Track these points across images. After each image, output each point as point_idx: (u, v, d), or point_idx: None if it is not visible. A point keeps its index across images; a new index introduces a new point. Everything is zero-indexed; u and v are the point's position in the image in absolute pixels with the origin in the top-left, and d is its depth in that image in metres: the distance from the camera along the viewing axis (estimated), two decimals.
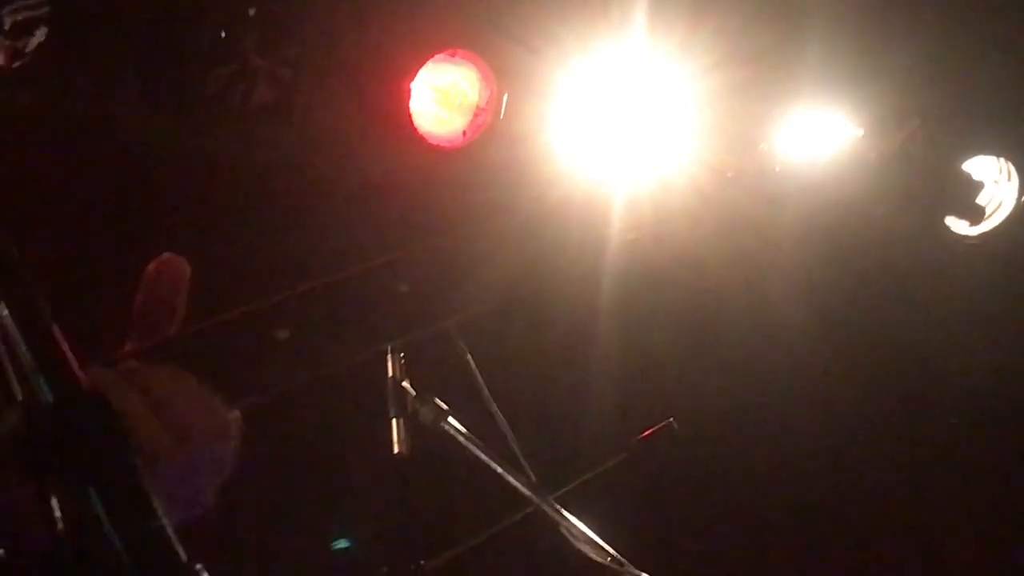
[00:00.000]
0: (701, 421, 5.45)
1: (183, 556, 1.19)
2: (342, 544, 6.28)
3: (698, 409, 5.54)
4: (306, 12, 5.79)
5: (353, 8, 5.85)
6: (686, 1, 5.79)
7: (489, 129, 6.03)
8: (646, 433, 4.74)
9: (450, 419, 4.46)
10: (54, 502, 1.24)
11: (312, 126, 5.88)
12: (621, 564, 4.14)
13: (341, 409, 5.35)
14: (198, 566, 1.20)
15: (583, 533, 4.22)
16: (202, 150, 5.82)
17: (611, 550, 4.18)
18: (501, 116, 6.02)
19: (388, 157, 5.94)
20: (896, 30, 5.79)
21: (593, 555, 4.17)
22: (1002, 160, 6.28)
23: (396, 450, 4.51)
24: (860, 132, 5.90)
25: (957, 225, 6.20)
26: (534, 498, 4.33)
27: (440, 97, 5.98)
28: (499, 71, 6.00)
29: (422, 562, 4.69)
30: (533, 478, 4.38)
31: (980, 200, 6.20)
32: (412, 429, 4.49)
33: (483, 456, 4.40)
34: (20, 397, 1.23)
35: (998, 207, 6.27)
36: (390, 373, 4.44)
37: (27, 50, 5.06)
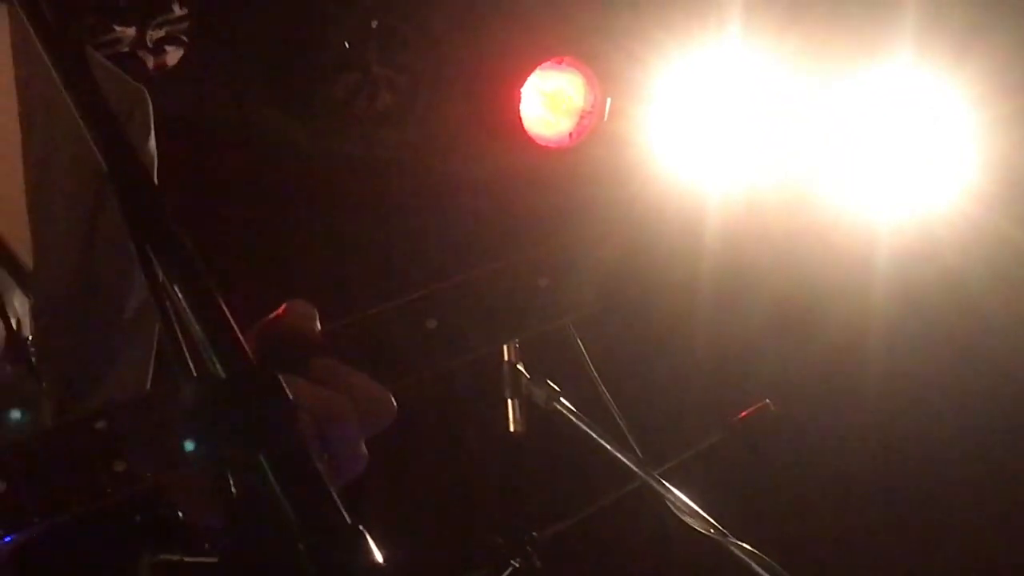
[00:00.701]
0: (794, 403, 5.40)
1: (347, 519, 1.20)
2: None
3: (791, 392, 5.48)
4: (424, 24, 5.81)
5: (466, 20, 5.86)
6: (779, 8, 5.74)
7: (593, 131, 6.02)
8: (744, 413, 4.71)
9: (561, 399, 4.45)
10: (229, 469, 1.25)
11: (429, 128, 5.90)
12: (724, 535, 4.11)
13: (461, 389, 5.36)
14: (360, 527, 1.21)
15: (687, 505, 4.19)
16: (329, 150, 5.85)
17: (713, 522, 4.15)
18: (605, 119, 6.01)
19: (500, 157, 5.95)
20: None
21: (696, 526, 4.15)
22: None
23: (512, 428, 4.52)
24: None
25: None
26: (640, 473, 4.31)
27: (548, 101, 5.98)
28: (603, 76, 5.99)
29: (535, 533, 4.69)
30: (640, 454, 4.36)
31: None
32: (526, 409, 4.49)
33: (592, 434, 4.39)
34: (195, 373, 1.24)
35: None
36: (506, 357, 4.45)
37: (170, 61, 5.11)
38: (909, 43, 5.75)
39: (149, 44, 5.01)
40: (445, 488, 6.33)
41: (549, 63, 5.92)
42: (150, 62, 5.03)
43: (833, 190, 5.72)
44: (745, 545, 4.07)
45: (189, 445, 1.23)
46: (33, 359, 1.76)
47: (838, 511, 6.72)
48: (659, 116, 6.05)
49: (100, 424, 1.65)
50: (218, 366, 1.22)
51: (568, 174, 5.96)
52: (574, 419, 4.43)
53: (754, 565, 4.00)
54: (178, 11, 5.19)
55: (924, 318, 6.12)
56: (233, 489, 1.26)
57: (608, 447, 4.37)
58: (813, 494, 6.64)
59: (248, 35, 5.56)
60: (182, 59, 5.17)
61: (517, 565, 4.64)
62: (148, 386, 1.98)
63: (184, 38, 5.13)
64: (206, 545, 1.67)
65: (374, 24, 5.70)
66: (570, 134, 6.01)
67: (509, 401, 4.49)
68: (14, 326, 1.73)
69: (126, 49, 4.95)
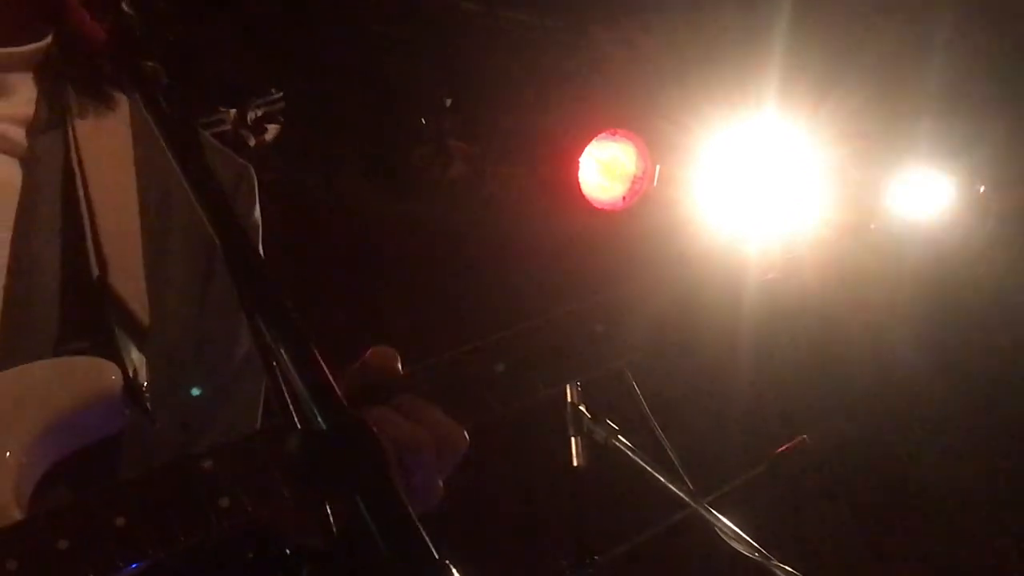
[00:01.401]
0: (828, 438, 5.35)
1: (435, 554, 1.19)
2: None
3: (825, 428, 5.44)
4: (492, 100, 5.83)
5: (530, 96, 5.88)
6: (812, 81, 5.72)
7: (644, 194, 6.01)
8: (783, 448, 4.66)
9: (619, 436, 4.43)
10: (328, 510, 1.24)
11: (498, 194, 5.91)
12: (767, 558, 4.07)
13: (530, 428, 5.35)
14: (447, 562, 1.20)
15: (733, 531, 4.16)
16: (409, 214, 5.88)
17: (757, 546, 4.12)
18: (655, 183, 6.00)
19: (561, 219, 5.94)
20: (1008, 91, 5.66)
21: (742, 550, 4.12)
22: None
23: (575, 463, 4.50)
24: (981, 189, 5.75)
25: None
26: (691, 502, 4.28)
27: (603, 168, 5.97)
28: (653, 145, 5.98)
29: (597, 556, 4.66)
30: (690, 485, 4.33)
31: None
32: (588, 445, 4.48)
33: (647, 467, 4.37)
34: (299, 423, 1.24)
35: None
36: (569, 399, 4.43)
37: (268, 138, 5.14)
38: (931, 104, 5.72)
39: (249, 123, 5.04)
40: (516, 517, 6.31)
41: (604, 134, 5.91)
42: (251, 140, 5.07)
43: (864, 244, 5.68)
44: (787, 567, 4.03)
45: (294, 486, 1.23)
46: (149, 404, 1.76)
47: (866, 534, 6.66)
48: (704, 180, 6.03)
49: (207, 463, 1.66)
50: (319, 418, 1.22)
51: (622, 233, 5.94)
52: (631, 454, 4.41)
53: None
54: (274, 93, 5.22)
55: (947, 363, 6.06)
56: (333, 523, 1.26)
57: (662, 479, 4.34)
58: (846, 520, 6.59)
59: (336, 113, 5.59)
60: (278, 135, 5.20)
61: None
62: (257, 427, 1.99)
63: (280, 117, 5.16)
64: None
65: (448, 102, 5.73)
66: (623, 197, 6.00)
67: (572, 439, 4.48)
68: (131, 375, 1.74)
69: (229, 128, 4.99)
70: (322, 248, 5.77)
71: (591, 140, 5.88)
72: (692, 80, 5.85)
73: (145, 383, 1.76)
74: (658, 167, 6.00)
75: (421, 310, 5.98)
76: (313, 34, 5.44)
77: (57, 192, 1.84)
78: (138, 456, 1.78)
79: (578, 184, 5.86)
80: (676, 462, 4.41)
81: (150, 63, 1.31)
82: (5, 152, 1.82)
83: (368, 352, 1.82)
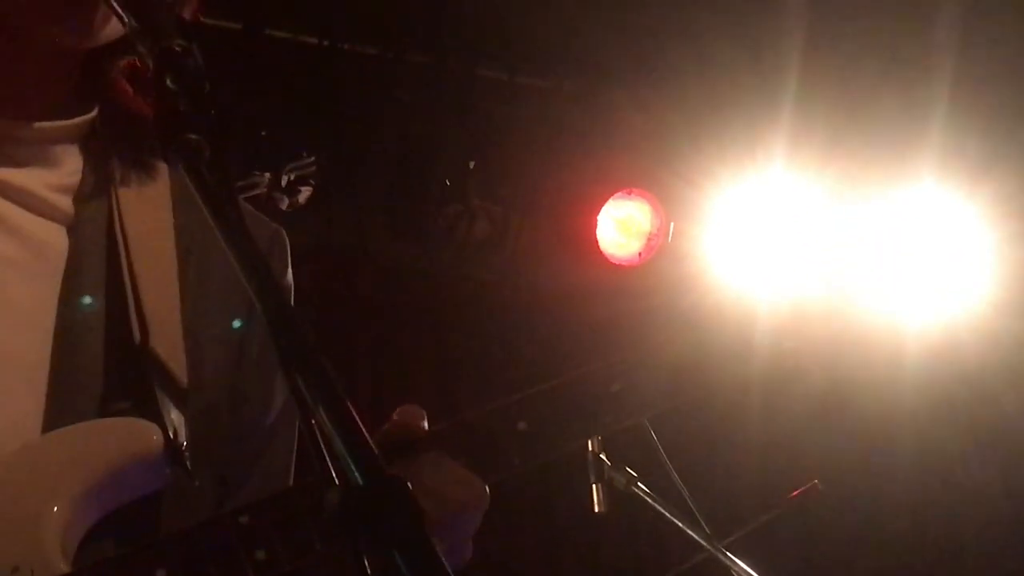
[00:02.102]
0: (838, 483, 5.32)
1: None
2: None
3: (835, 473, 5.41)
4: (514, 162, 5.84)
5: (549, 159, 5.90)
6: (817, 141, 5.73)
7: (659, 250, 6.01)
8: (796, 492, 4.63)
9: (639, 483, 4.41)
10: (367, 563, 1.23)
11: (520, 251, 5.92)
12: None
13: (553, 476, 5.33)
14: None
15: (749, 574, 4.13)
16: (435, 271, 5.89)
17: None
18: (669, 239, 6.00)
19: (580, 274, 5.95)
20: None
21: None
22: None
23: (596, 509, 4.47)
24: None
25: None
26: (708, 546, 4.25)
27: (620, 226, 5.98)
28: (667, 203, 5.99)
29: None
30: (707, 530, 4.29)
31: None
32: (608, 492, 4.45)
33: (666, 512, 4.34)
34: (336, 480, 1.23)
35: None
36: (590, 448, 4.41)
37: (301, 200, 5.16)
38: (933, 169, 5.72)
39: (283, 186, 5.06)
40: (542, 561, 6.28)
41: (621, 193, 5.93)
42: (284, 203, 5.08)
43: (867, 298, 5.66)
44: None
45: (331, 540, 1.22)
46: (188, 463, 1.76)
47: (878, 573, 6.62)
48: (716, 236, 6.03)
49: (244, 519, 1.67)
50: (356, 473, 1.20)
51: (638, 287, 5.94)
52: (650, 500, 4.38)
53: None
54: (306, 157, 5.24)
55: (947, 409, 6.03)
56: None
57: (680, 524, 4.31)
58: (855, 560, 6.54)
59: (366, 175, 5.62)
60: (311, 197, 5.22)
61: None
62: (290, 483, 1.98)
63: (312, 180, 5.18)
64: None
65: (471, 164, 5.75)
66: (639, 253, 6.00)
67: (593, 486, 4.45)
68: (171, 435, 1.75)
69: (263, 191, 5.01)
70: (353, 304, 5.78)
71: (608, 199, 5.90)
72: (703, 141, 5.86)
73: (185, 442, 1.76)
74: (672, 224, 6.00)
75: (448, 361, 5.98)
76: (344, 101, 5.47)
77: (101, 258, 1.85)
78: (177, 511, 1.79)
79: (596, 241, 5.87)
80: (693, 507, 4.37)
81: (193, 137, 1.31)
82: (53, 219, 1.83)
83: (397, 411, 1.83)
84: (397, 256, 5.79)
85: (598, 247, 5.87)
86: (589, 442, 4.39)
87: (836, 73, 5.54)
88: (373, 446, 1.24)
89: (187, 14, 1.72)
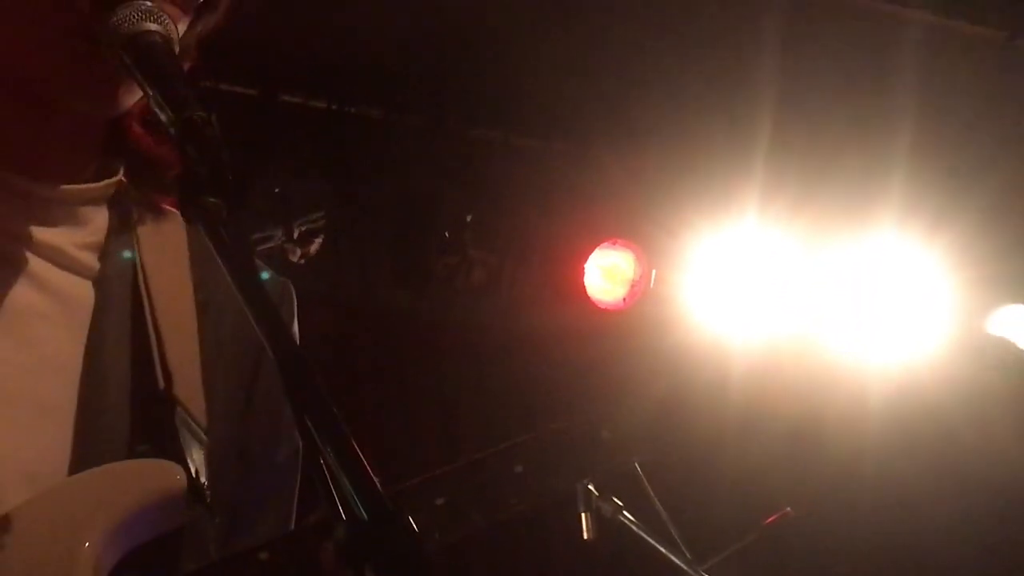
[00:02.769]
0: (809, 511, 5.30)
1: None
2: None
3: (806, 501, 5.39)
4: (508, 216, 5.86)
5: (541, 211, 5.92)
6: (787, 194, 5.76)
7: (642, 295, 6.02)
8: (770, 519, 4.62)
9: (624, 512, 4.39)
10: None
11: (514, 298, 5.92)
12: None
13: (546, 507, 5.31)
14: None
15: None
16: (436, 317, 5.89)
17: None
18: (651, 285, 6.01)
19: (569, 318, 5.96)
20: None
21: None
22: None
23: (585, 536, 4.45)
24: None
25: None
26: (689, 570, 4.23)
27: (605, 273, 5.99)
28: (649, 252, 6.01)
29: None
30: (688, 555, 4.28)
31: None
32: (597, 520, 4.43)
33: (650, 539, 4.32)
34: (344, 515, 1.23)
35: None
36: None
37: (312, 251, 5.16)
38: (894, 220, 5.75)
39: (295, 238, 5.07)
40: None
41: (606, 243, 5.95)
42: (295, 254, 5.09)
43: (834, 340, 5.68)
44: None
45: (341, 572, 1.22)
46: (209, 501, 1.76)
47: None
48: (695, 282, 6.05)
49: (263, 555, 1.66)
50: (362, 510, 1.20)
51: (623, 330, 5.95)
52: (635, 527, 4.36)
53: None
54: (316, 212, 5.26)
55: (909, 442, 6.03)
56: None
57: (663, 550, 4.29)
58: None
59: (371, 228, 5.62)
60: (320, 248, 5.23)
61: None
62: (292, 521, 1.98)
63: (321, 233, 5.19)
64: None
65: (468, 217, 5.76)
66: (624, 299, 6.01)
67: (582, 514, 4.43)
68: (194, 474, 1.74)
69: (277, 243, 5.02)
70: (358, 348, 5.78)
71: (594, 249, 5.92)
72: (682, 195, 5.89)
73: (206, 482, 1.76)
74: (654, 271, 6.02)
75: (448, 399, 5.98)
76: (351, 160, 5.49)
77: (126, 310, 1.84)
78: (197, 546, 1.78)
79: (584, 287, 5.89)
80: (675, 534, 4.36)
81: (212, 200, 1.32)
82: (80, 275, 1.82)
83: None
84: (400, 302, 5.80)
85: (586, 293, 5.89)
86: None
87: (804, 133, 5.57)
88: (377, 483, 1.24)
89: (186, 66, 1.70)
